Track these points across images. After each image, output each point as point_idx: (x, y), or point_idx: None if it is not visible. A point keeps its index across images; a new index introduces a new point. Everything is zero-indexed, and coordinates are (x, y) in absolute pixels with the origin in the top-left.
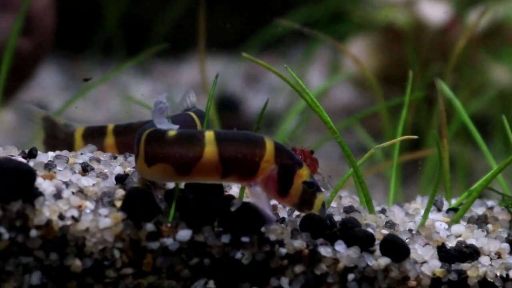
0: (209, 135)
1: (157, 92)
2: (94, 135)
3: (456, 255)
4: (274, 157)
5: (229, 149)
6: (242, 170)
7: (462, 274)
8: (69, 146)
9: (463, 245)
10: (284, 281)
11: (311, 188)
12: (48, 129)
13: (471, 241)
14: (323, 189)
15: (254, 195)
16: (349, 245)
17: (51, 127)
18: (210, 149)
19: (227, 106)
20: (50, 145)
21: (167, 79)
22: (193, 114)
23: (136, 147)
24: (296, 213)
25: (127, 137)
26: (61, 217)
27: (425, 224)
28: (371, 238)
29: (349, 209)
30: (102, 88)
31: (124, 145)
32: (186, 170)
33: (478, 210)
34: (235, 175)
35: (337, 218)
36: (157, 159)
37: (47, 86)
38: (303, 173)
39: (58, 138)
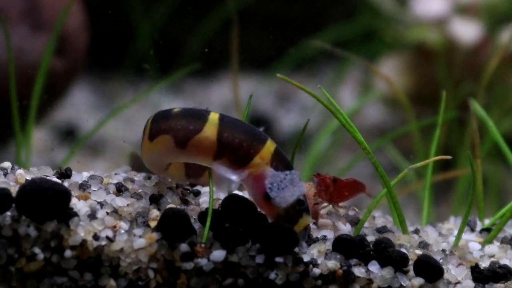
0: (214, 114)
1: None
2: None
3: (490, 275)
4: (271, 158)
5: (228, 132)
6: (234, 156)
7: None
8: None
9: (497, 266)
10: None
11: (300, 206)
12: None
13: (504, 261)
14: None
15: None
16: (383, 265)
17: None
18: (210, 127)
19: (258, 125)
20: None
21: (199, 98)
22: None
23: (143, 132)
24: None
25: None
26: (96, 237)
27: (458, 244)
28: (405, 258)
29: (382, 229)
30: (133, 106)
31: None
32: (183, 142)
33: (511, 230)
34: (226, 159)
35: (371, 238)
36: (160, 132)
37: (80, 105)
38: None
39: None
